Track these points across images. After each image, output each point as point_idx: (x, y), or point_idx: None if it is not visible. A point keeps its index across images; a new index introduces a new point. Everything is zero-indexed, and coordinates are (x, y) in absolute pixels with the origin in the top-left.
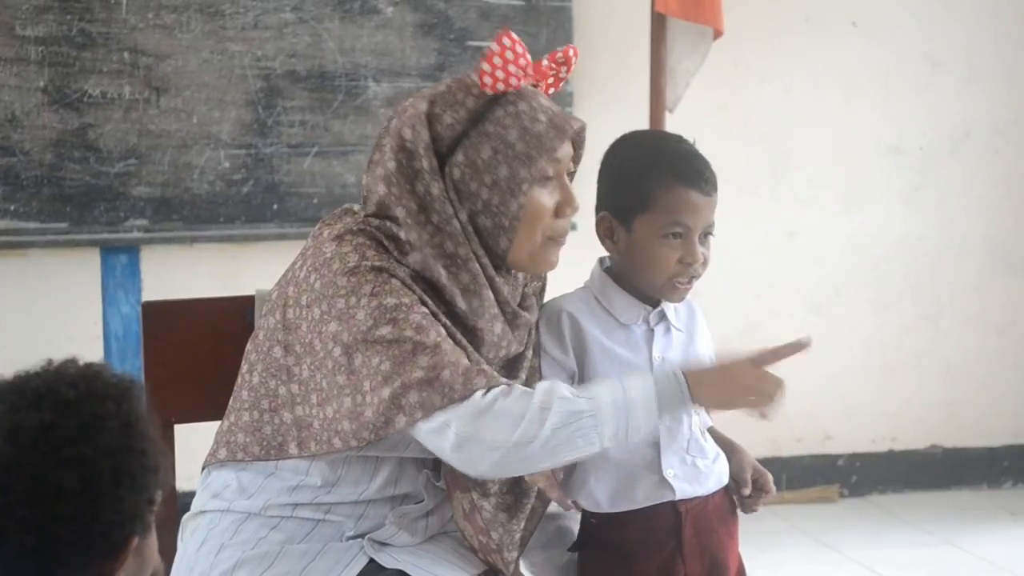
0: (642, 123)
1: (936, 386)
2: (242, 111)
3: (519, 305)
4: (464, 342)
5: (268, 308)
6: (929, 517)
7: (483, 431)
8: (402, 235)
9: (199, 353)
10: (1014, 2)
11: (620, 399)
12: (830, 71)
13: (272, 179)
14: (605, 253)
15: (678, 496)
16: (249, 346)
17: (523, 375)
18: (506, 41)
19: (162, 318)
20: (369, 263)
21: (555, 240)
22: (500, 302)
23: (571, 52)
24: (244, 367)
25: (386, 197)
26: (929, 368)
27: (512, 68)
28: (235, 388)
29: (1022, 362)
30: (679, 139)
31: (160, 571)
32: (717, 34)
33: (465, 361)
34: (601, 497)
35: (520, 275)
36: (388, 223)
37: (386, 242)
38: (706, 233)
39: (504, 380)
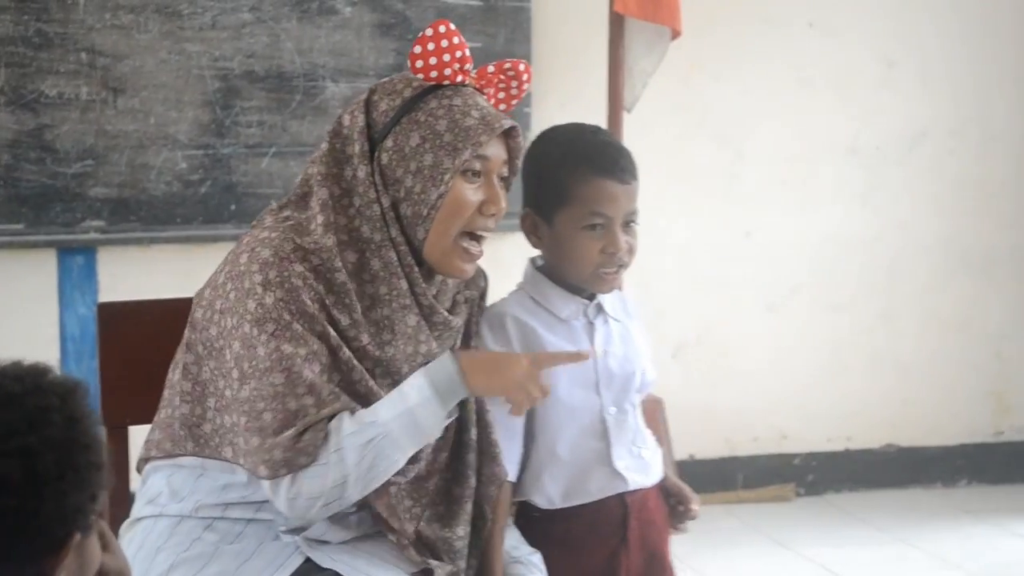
0: (600, 123)
1: (891, 385)
2: (199, 111)
3: (448, 310)
4: (354, 361)
5: (193, 308)
6: (884, 516)
7: (300, 489)
8: (312, 219)
9: (154, 354)
10: (969, 4)
11: (403, 411)
12: (787, 71)
13: (230, 179)
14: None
15: (630, 486)
16: (179, 347)
17: None
18: (441, 29)
19: (117, 319)
20: (270, 297)
21: (474, 241)
22: (416, 293)
23: (522, 67)
24: (172, 365)
25: (313, 177)
26: (884, 367)
27: (446, 57)
28: (166, 384)
29: (977, 361)
30: (595, 130)
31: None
32: (675, 34)
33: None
34: (555, 493)
35: (450, 280)
36: (304, 213)
37: (300, 241)
38: (628, 221)
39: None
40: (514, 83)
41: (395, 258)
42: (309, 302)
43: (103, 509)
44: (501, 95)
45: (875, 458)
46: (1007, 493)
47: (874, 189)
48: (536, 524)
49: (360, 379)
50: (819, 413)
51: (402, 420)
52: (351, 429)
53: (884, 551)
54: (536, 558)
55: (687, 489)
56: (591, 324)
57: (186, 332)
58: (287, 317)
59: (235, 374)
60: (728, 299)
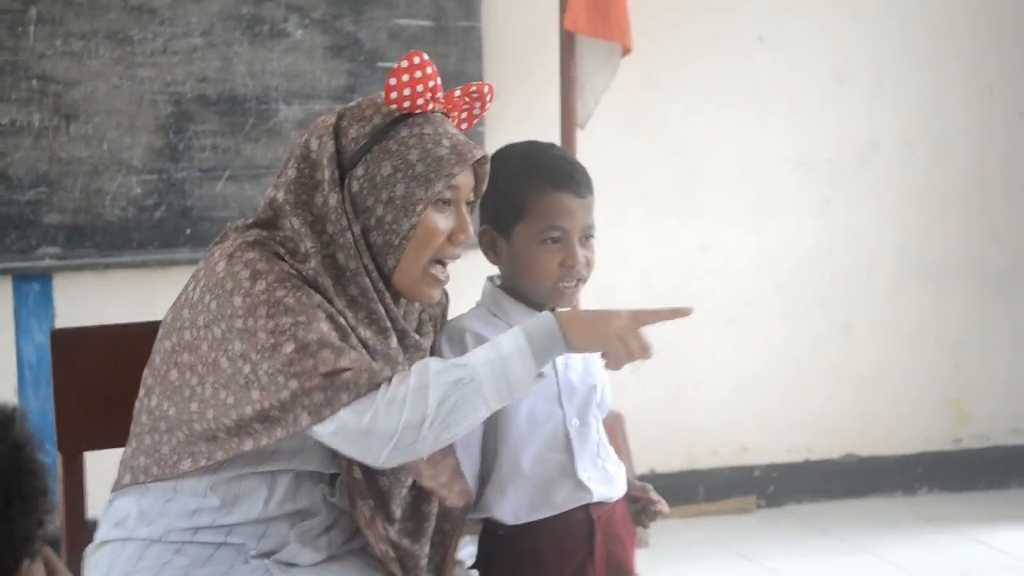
0: (553, 139)
1: (849, 396)
2: (153, 136)
3: (416, 331)
4: (360, 339)
5: (163, 332)
6: (845, 525)
7: (373, 424)
8: (297, 242)
9: (110, 380)
10: (919, 17)
11: (495, 358)
12: (738, 86)
13: (184, 204)
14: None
15: (595, 498)
16: (146, 371)
17: None
18: (416, 60)
19: (72, 346)
20: (262, 283)
21: (441, 267)
22: (391, 319)
23: (486, 89)
24: (142, 392)
25: (282, 205)
26: (842, 378)
27: (420, 88)
28: (135, 413)
29: (933, 370)
30: (550, 146)
31: None
32: (626, 51)
33: (366, 358)
34: (520, 507)
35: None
36: (278, 232)
37: (280, 250)
38: (586, 235)
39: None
40: (477, 104)
41: (370, 285)
42: (300, 283)
43: (46, 536)
44: (464, 115)
45: (835, 468)
46: (967, 500)
47: (828, 202)
48: (501, 542)
49: (369, 324)
50: (779, 425)
51: (492, 367)
52: (437, 368)
53: (846, 561)
54: None
55: (650, 488)
56: None
57: (158, 359)
58: (280, 293)
59: (245, 370)
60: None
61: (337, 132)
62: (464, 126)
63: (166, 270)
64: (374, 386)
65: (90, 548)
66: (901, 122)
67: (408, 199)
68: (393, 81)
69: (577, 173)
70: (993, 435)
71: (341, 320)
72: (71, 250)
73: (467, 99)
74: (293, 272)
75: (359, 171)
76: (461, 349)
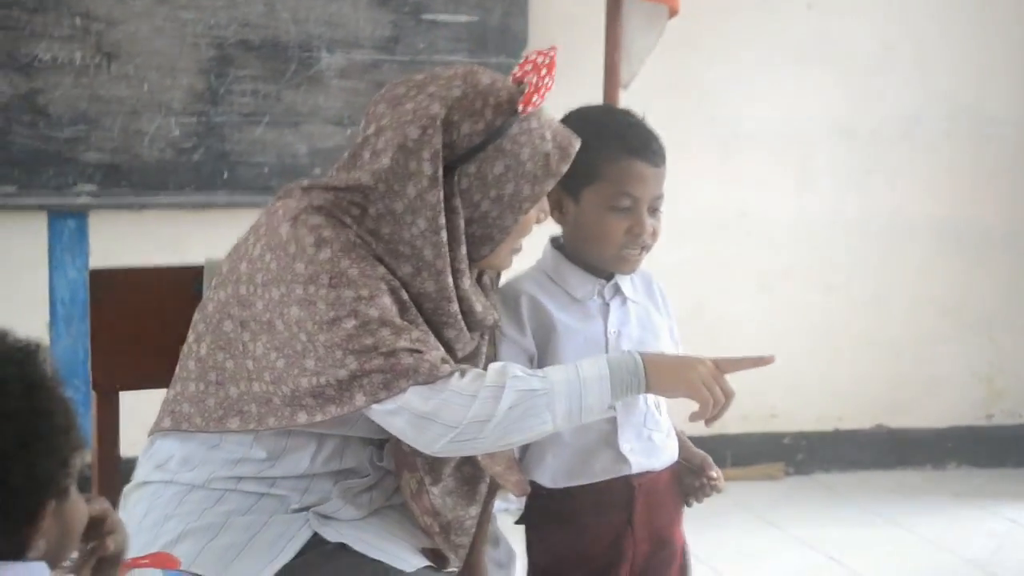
0: (597, 99)
1: (882, 366)
2: (194, 79)
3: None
4: (426, 328)
5: (219, 281)
6: (873, 497)
7: (438, 411)
8: (371, 214)
9: (146, 321)
10: None
11: (573, 379)
12: (783, 52)
13: (222, 148)
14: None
15: (634, 470)
16: (196, 316)
17: (480, 363)
18: (545, 58)
19: (109, 285)
20: (327, 252)
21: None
22: (464, 312)
23: (554, 55)
24: (191, 337)
25: (372, 192)
26: (876, 349)
27: (545, 82)
28: (181, 357)
29: (967, 344)
30: (627, 112)
31: (118, 533)
32: (672, 12)
33: (428, 346)
34: (558, 472)
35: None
36: (347, 195)
37: (347, 218)
38: (655, 205)
39: (463, 367)
40: (547, 78)
41: (450, 284)
42: (365, 253)
43: (74, 475)
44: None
45: (865, 439)
46: (997, 476)
47: (868, 171)
48: (540, 502)
49: (434, 312)
50: (809, 393)
51: (570, 387)
52: (516, 373)
53: (873, 532)
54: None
55: (710, 463)
56: (606, 305)
57: (211, 308)
58: (344, 263)
59: (302, 337)
60: (721, 278)
61: (447, 126)
62: (537, 100)
63: (201, 213)
64: (440, 375)
65: (129, 487)
66: (945, 93)
67: (516, 197)
68: (520, 73)
69: (654, 142)
70: None
71: (404, 295)
72: (107, 189)
73: (544, 72)
74: (359, 241)
75: (471, 168)
76: (515, 311)
